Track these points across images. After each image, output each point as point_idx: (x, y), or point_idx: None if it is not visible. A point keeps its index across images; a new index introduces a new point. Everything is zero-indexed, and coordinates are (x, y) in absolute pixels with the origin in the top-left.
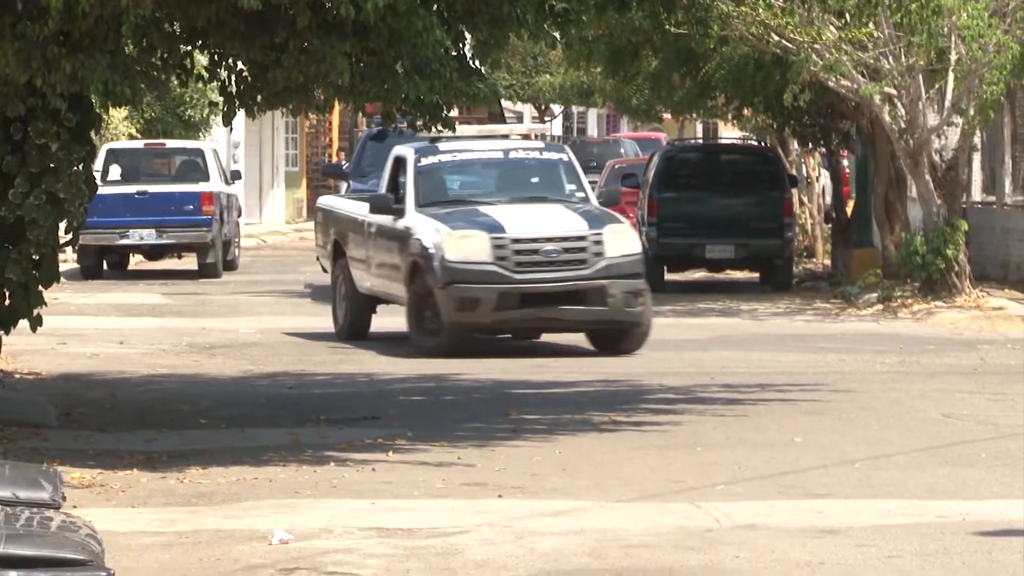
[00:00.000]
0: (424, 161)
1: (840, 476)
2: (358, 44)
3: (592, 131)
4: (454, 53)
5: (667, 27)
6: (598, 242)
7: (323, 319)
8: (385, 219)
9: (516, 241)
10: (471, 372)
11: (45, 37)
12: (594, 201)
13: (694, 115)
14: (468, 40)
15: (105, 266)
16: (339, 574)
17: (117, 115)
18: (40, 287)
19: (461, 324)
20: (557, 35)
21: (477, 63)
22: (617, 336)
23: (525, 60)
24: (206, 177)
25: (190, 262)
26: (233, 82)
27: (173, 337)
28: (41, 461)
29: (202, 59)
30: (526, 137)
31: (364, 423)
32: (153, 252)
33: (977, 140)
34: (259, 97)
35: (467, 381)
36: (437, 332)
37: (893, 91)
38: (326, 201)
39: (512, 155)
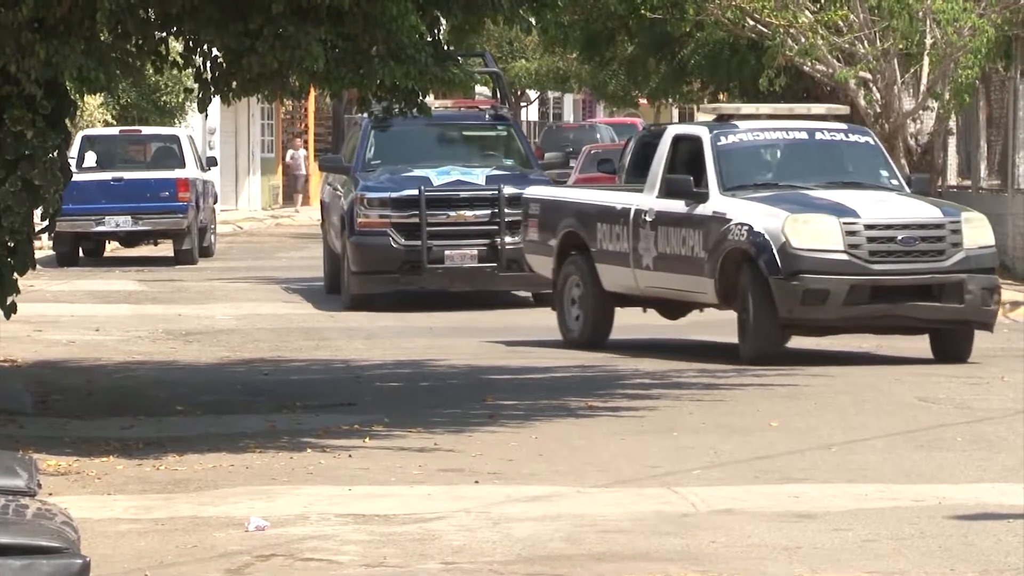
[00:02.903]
0: (724, 141)
1: (816, 460)
2: (333, 30)
3: (568, 116)
4: (429, 38)
5: (642, 12)
6: (956, 231)
7: (299, 305)
8: (674, 205)
9: (870, 227)
10: (447, 358)
11: (19, 23)
12: (906, 188)
13: (670, 100)
14: (443, 25)
15: (81, 253)
16: (316, 560)
17: (92, 102)
18: (15, 274)
19: (802, 321)
20: (532, 20)
21: (452, 48)
22: (960, 339)
23: (500, 45)
24: (182, 164)
25: (166, 249)
26: (208, 68)
27: (149, 324)
28: (16, 448)
29: (177, 45)
30: (823, 118)
31: (341, 409)
32: (129, 239)
33: (952, 124)
34: (234, 83)
35: (443, 367)
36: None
37: (868, 75)
38: (542, 191)
39: (818, 136)
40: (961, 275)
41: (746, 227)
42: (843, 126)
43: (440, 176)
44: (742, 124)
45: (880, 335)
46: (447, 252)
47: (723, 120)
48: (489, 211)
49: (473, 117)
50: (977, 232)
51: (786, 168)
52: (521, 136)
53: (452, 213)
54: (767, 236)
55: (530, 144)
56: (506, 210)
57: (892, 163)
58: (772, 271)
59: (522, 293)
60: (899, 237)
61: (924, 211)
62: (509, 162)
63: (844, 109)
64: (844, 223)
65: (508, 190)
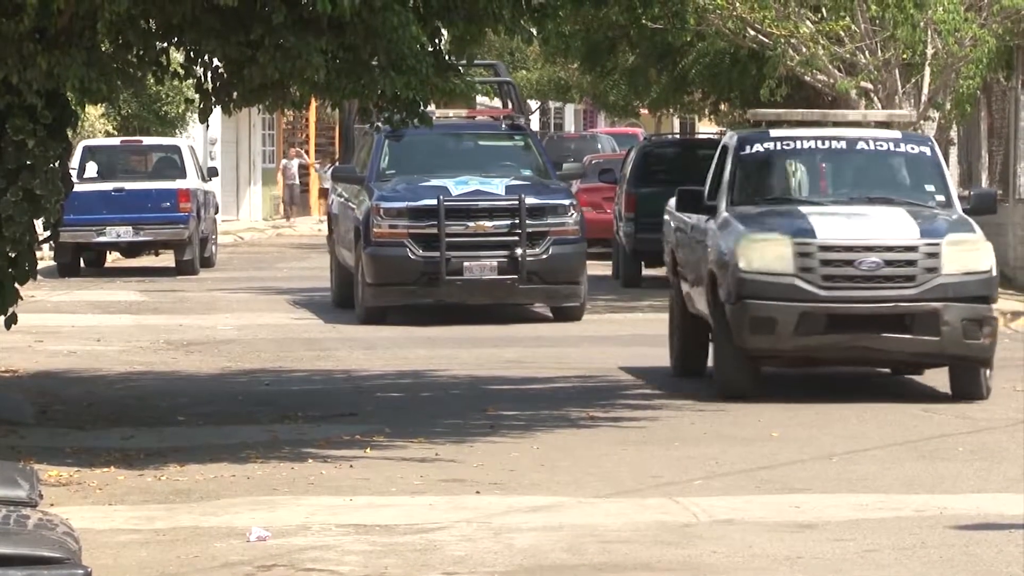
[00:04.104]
0: (748, 150)
1: (818, 470)
2: (334, 40)
3: (569, 127)
4: (430, 49)
5: (644, 22)
6: (932, 255)
7: (300, 315)
8: (700, 220)
9: (825, 248)
10: (448, 368)
11: (20, 34)
12: (957, 206)
13: (671, 110)
14: (444, 36)
15: (82, 263)
16: (317, 571)
17: (93, 112)
18: (16, 284)
19: (755, 351)
20: (533, 30)
21: (454, 58)
22: (965, 375)
23: (501, 56)
24: (183, 174)
25: (167, 259)
26: (209, 79)
27: (150, 334)
28: (18, 459)
29: (178, 56)
30: (885, 125)
31: (342, 420)
32: (130, 249)
33: (954, 134)
34: (235, 94)
35: (444, 377)
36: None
37: (870, 85)
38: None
39: (860, 146)
40: (935, 304)
41: (718, 247)
42: (897, 135)
43: (458, 186)
44: (776, 132)
45: (855, 367)
46: (466, 264)
47: (767, 127)
48: (509, 222)
49: (489, 127)
50: (965, 256)
51: (811, 181)
52: (539, 146)
53: (471, 224)
54: (727, 258)
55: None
56: (527, 221)
57: (946, 176)
58: (727, 296)
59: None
60: (857, 260)
61: (898, 231)
62: (527, 172)
63: (909, 115)
64: (797, 244)
65: (529, 200)
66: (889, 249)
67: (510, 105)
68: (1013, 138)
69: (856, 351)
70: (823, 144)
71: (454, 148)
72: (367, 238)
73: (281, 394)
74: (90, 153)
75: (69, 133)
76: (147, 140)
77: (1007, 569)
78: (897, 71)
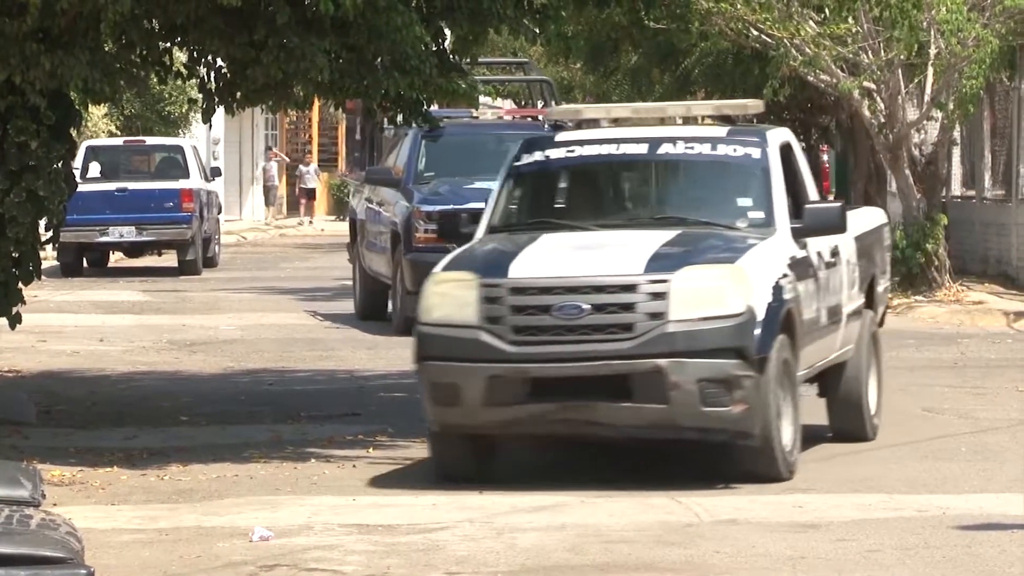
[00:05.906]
0: (523, 160)
1: (820, 470)
2: (337, 40)
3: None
4: (434, 49)
5: (647, 22)
6: (657, 295)
7: (304, 315)
8: None
9: (516, 291)
10: None
11: (24, 34)
12: (783, 225)
13: None
14: (447, 36)
15: (85, 263)
16: (320, 571)
17: (97, 112)
18: (20, 284)
19: (445, 426)
20: (536, 30)
21: (457, 58)
22: (754, 453)
23: (505, 55)
24: (186, 174)
25: (170, 259)
26: (212, 79)
27: (153, 334)
28: (21, 459)
29: (181, 56)
30: (720, 121)
31: (345, 420)
32: (133, 249)
33: (956, 134)
34: (238, 94)
35: None
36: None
37: (872, 86)
38: None
39: (663, 150)
40: (658, 361)
41: None
42: (721, 132)
43: None
44: (562, 136)
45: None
46: None
47: (559, 129)
48: None
49: (530, 127)
50: (701, 295)
51: (588, 199)
52: None
53: None
54: (420, 305)
55: None
56: None
57: (772, 185)
58: (415, 355)
59: None
60: (556, 305)
61: (618, 265)
62: None
63: (753, 105)
64: (484, 286)
65: None
66: (598, 290)
67: (550, 104)
68: (1016, 138)
69: (570, 424)
70: (616, 149)
71: (495, 149)
72: (408, 243)
73: (284, 394)
74: (93, 153)
75: (72, 133)
76: (150, 140)
77: (1010, 569)
78: (900, 71)
